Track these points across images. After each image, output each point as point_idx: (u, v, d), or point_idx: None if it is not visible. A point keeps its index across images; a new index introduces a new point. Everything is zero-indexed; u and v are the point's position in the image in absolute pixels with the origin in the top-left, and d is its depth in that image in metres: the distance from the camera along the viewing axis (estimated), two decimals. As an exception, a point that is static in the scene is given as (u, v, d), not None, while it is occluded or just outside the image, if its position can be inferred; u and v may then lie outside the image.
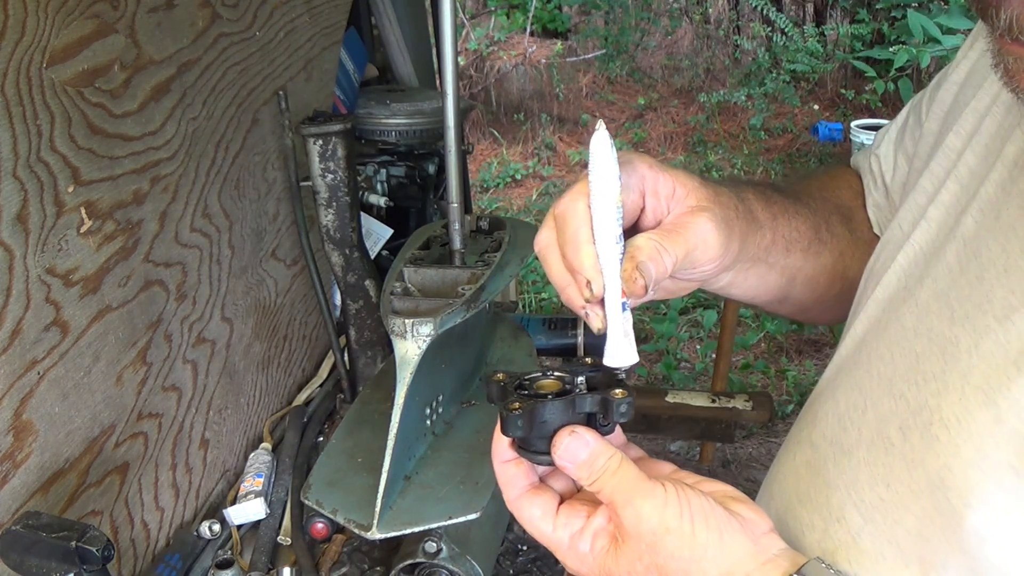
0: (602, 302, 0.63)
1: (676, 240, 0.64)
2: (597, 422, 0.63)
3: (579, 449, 0.61)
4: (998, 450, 0.54)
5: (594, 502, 0.63)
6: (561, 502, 0.65)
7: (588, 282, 0.62)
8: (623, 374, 0.64)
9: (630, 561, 0.60)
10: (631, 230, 0.66)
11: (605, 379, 0.65)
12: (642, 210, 0.67)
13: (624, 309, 0.62)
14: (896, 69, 3.66)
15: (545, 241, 0.66)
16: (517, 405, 0.61)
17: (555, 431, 0.62)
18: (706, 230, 0.66)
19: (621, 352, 0.63)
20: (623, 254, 0.62)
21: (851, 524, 0.63)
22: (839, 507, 0.65)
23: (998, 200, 0.62)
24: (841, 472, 0.66)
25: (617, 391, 0.62)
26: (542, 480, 0.67)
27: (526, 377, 0.65)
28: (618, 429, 0.66)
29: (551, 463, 0.63)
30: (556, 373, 0.65)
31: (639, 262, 0.61)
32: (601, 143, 0.61)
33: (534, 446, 0.63)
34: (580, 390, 0.63)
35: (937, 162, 0.71)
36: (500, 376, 0.66)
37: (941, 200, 0.68)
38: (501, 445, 0.65)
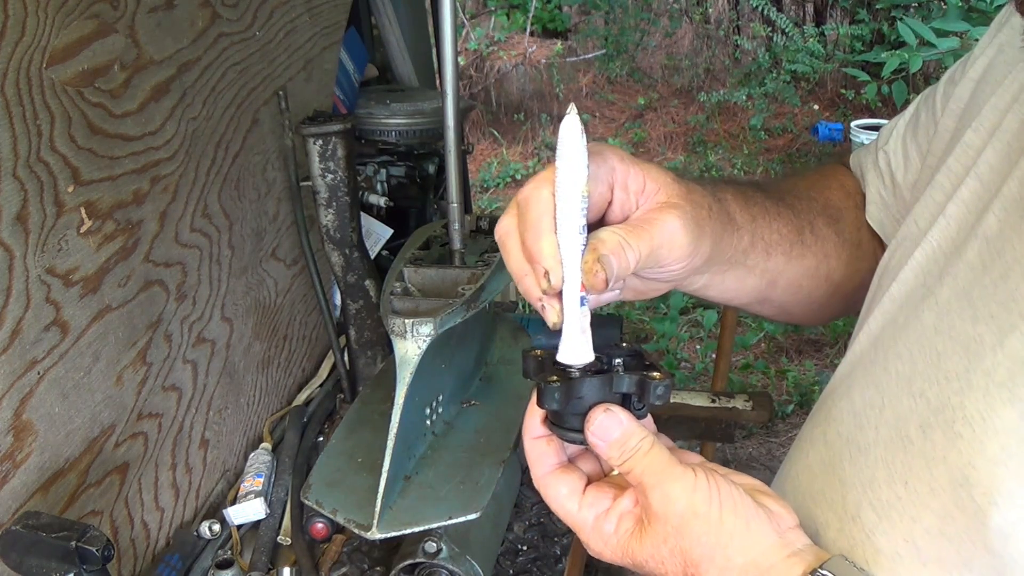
0: (560, 295, 0.60)
1: (641, 236, 0.62)
2: (632, 405, 0.63)
3: (613, 427, 0.61)
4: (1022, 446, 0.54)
5: (621, 486, 0.63)
6: (588, 484, 0.65)
7: (547, 272, 0.60)
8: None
9: (655, 544, 0.60)
10: (596, 224, 0.64)
11: (640, 364, 0.64)
12: (609, 204, 0.65)
13: (583, 304, 0.60)
14: (891, 72, 3.66)
15: (505, 228, 0.63)
16: (555, 378, 0.61)
17: (589, 408, 0.61)
18: (674, 228, 0.64)
19: (577, 349, 0.61)
20: (585, 246, 0.60)
21: (866, 522, 0.63)
22: (855, 506, 0.64)
23: (1022, 198, 0.61)
24: (857, 471, 0.65)
25: (656, 373, 0.61)
26: (571, 461, 0.66)
27: None
28: (649, 417, 0.66)
29: (583, 441, 0.62)
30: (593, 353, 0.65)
31: (601, 255, 0.59)
32: (571, 128, 0.58)
33: (567, 422, 0.63)
34: (618, 370, 0.63)
35: (955, 159, 0.70)
36: (538, 352, 0.65)
37: (960, 197, 0.67)
38: (533, 421, 0.65)
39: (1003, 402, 0.55)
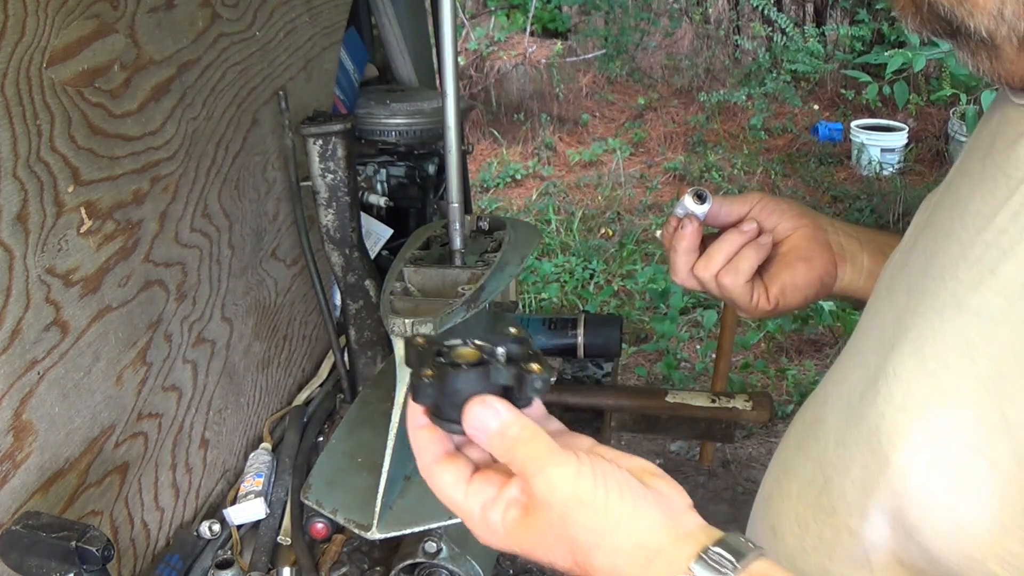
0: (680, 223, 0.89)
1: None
2: (513, 395, 0.62)
3: (489, 419, 0.60)
4: (920, 389, 0.59)
5: (509, 473, 0.62)
6: (476, 472, 0.64)
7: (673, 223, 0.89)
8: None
9: (541, 531, 0.58)
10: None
11: (525, 352, 0.63)
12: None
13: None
14: (892, 72, 3.64)
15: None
16: (429, 372, 0.61)
17: (467, 400, 0.61)
18: (748, 192, 0.88)
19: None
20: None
21: (816, 484, 0.69)
22: (812, 471, 0.70)
23: (959, 185, 0.67)
24: (816, 440, 0.72)
25: (534, 365, 0.60)
26: (458, 449, 0.66)
27: (446, 344, 0.64)
28: (537, 402, 0.64)
29: (463, 432, 0.61)
30: (476, 342, 0.64)
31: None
32: None
33: (447, 414, 0.62)
34: (498, 361, 0.62)
35: (943, 187, 0.76)
36: (420, 341, 0.65)
37: (934, 209, 0.72)
38: (415, 411, 0.64)
39: (909, 355, 0.61)
